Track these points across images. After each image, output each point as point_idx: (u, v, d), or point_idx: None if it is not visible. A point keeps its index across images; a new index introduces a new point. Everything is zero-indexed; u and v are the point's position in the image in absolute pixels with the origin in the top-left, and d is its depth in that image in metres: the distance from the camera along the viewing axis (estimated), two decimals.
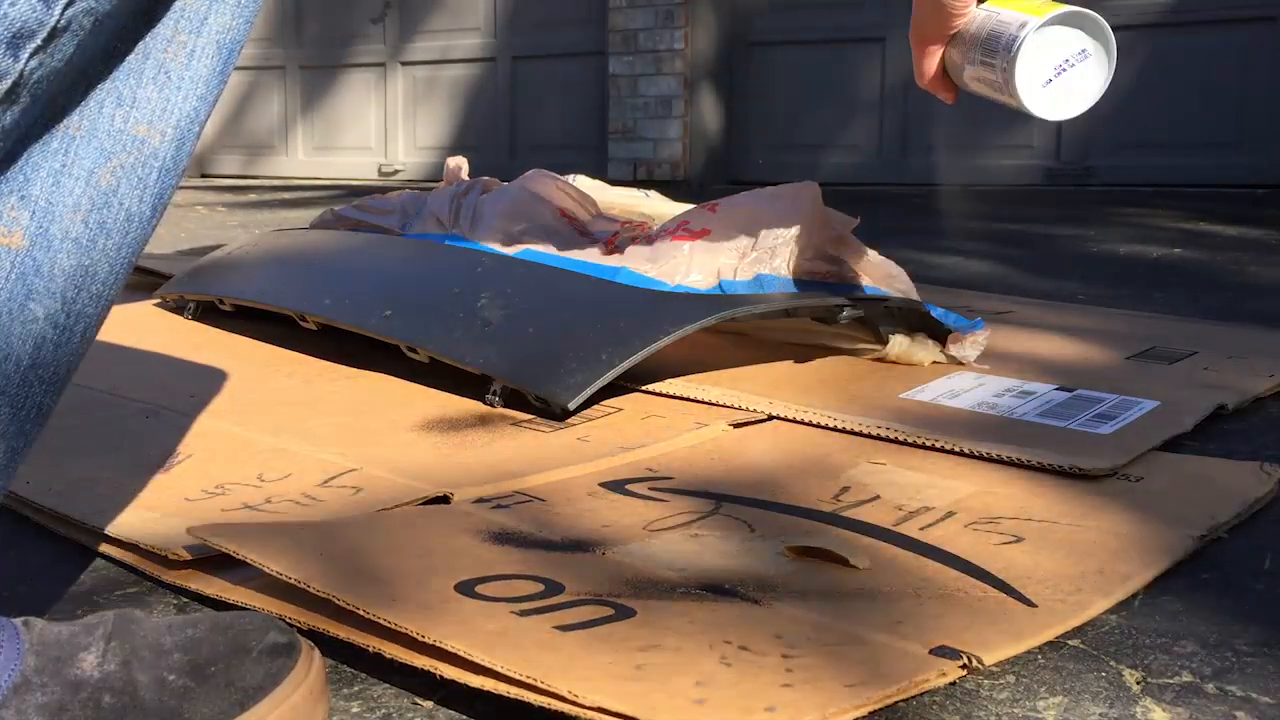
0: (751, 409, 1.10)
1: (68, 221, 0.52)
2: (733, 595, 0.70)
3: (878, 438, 1.02)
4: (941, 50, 0.98)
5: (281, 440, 1.03)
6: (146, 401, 1.15)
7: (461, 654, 0.61)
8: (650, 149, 4.65)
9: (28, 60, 0.48)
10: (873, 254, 1.27)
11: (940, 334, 1.26)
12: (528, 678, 0.58)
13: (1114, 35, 0.91)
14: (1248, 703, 0.62)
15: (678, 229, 1.25)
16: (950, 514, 0.85)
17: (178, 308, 1.56)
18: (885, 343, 1.25)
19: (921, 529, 0.82)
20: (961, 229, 2.78)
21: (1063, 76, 0.89)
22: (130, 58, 0.52)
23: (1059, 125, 4.04)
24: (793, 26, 4.47)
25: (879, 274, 1.25)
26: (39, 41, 0.48)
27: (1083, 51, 0.89)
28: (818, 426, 1.06)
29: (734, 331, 1.36)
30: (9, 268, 0.51)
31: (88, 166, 0.52)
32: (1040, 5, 0.91)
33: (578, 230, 1.43)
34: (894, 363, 1.25)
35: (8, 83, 0.48)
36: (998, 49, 0.89)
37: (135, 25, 0.52)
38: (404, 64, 5.37)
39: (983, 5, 0.94)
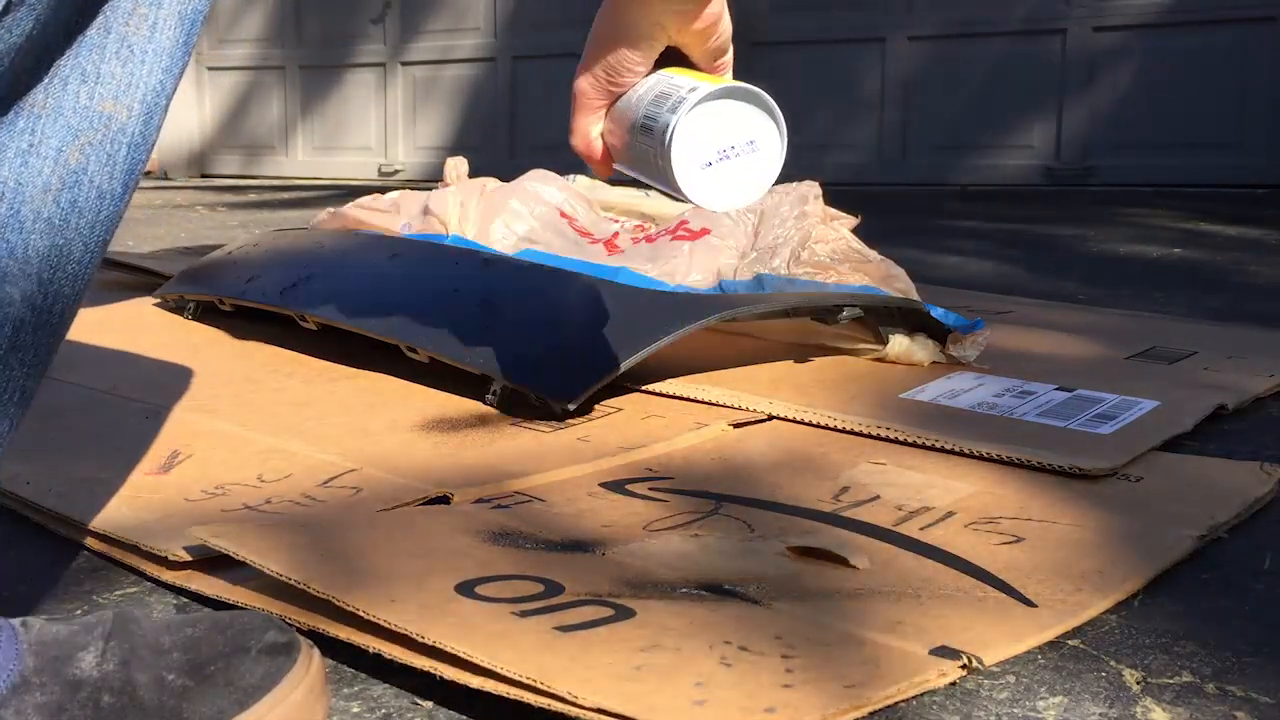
0: (751, 409, 1.10)
1: (39, 202, 0.51)
2: (733, 595, 0.70)
3: (878, 438, 1.02)
4: (603, 110, 0.83)
5: (281, 440, 1.03)
6: (146, 401, 1.15)
7: (461, 655, 0.61)
8: None
9: None
10: (873, 254, 1.27)
11: (940, 334, 1.26)
12: (527, 678, 0.58)
13: (785, 124, 0.80)
14: (1248, 703, 0.62)
15: (678, 229, 1.25)
16: (950, 514, 0.85)
17: (178, 308, 1.56)
18: (885, 343, 1.25)
19: (921, 529, 0.82)
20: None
21: (726, 163, 0.79)
22: (91, 32, 0.52)
23: (1060, 124, 4.04)
24: (794, 26, 4.47)
25: (879, 274, 1.25)
26: None
27: (752, 143, 0.79)
28: (818, 426, 1.06)
29: (734, 331, 1.36)
30: None
31: (55, 145, 0.51)
32: (718, 80, 0.81)
33: (578, 230, 1.43)
34: (894, 363, 1.25)
35: None
36: (660, 114, 0.78)
37: None
38: (404, 64, 5.37)
39: (659, 71, 0.82)
